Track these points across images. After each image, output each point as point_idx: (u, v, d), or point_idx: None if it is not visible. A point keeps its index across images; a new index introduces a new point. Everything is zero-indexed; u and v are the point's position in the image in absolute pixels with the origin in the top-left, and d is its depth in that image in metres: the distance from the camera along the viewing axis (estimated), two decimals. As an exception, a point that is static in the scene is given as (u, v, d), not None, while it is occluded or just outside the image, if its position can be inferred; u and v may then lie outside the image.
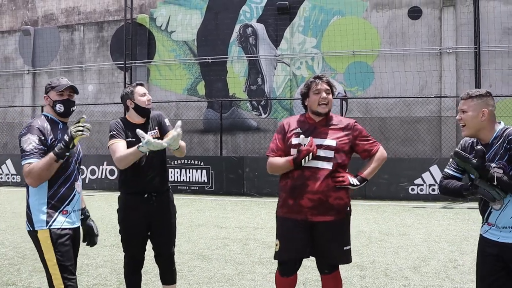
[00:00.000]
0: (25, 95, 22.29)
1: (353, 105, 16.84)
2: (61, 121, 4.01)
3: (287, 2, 18.25)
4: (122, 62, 19.51)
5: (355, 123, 4.44)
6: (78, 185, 4.03)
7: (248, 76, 18.94)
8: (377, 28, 17.54)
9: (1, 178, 19.06)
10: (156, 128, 4.80)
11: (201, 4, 19.55)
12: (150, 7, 20.40)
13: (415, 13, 17.29)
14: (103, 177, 17.31)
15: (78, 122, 3.77)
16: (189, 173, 15.99)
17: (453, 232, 9.35)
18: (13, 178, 18.86)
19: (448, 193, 3.75)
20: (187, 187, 15.97)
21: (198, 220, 10.78)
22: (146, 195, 4.66)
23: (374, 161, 4.43)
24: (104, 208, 12.24)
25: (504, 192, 3.35)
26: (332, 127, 4.39)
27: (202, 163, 15.99)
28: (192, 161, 15.85)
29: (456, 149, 3.58)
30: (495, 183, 3.32)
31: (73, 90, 4.01)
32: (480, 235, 3.64)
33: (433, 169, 14.11)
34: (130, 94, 4.74)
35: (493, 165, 3.41)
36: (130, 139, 4.63)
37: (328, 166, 4.25)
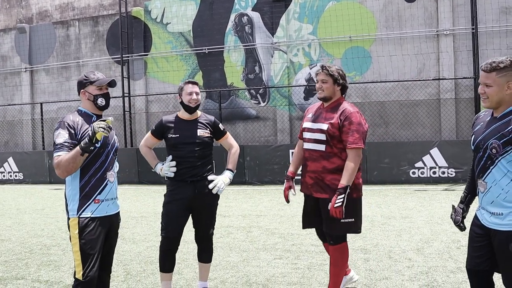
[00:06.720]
0: (23, 93, 22.30)
1: (351, 91, 16.80)
2: (96, 114, 4.10)
3: (282, -10, 18.22)
4: (119, 56, 19.51)
5: (351, 113, 4.59)
6: (111, 174, 4.11)
7: (245, 65, 18.93)
8: (373, 12, 17.48)
9: (4, 176, 19.14)
10: (209, 128, 5.13)
11: (196, -5, 19.52)
12: (145, 0, 20.36)
13: (410, -4, 17.25)
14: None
15: (103, 121, 3.83)
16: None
17: (455, 213, 9.37)
18: (16, 176, 18.93)
19: None
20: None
21: (201, 210, 10.80)
22: (190, 181, 5.00)
23: (344, 172, 4.52)
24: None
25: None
26: (333, 112, 4.66)
27: (203, 154, 15.97)
28: (193, 152, 15.80)
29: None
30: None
31: (109, 84, 4.11)
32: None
33: (433, 152, 14.13)
34: (179, 90, 5.15)
35: (490, 141, 3.37)
36: (171, 135, 5.06)
37: (321, 148, 4.66)
